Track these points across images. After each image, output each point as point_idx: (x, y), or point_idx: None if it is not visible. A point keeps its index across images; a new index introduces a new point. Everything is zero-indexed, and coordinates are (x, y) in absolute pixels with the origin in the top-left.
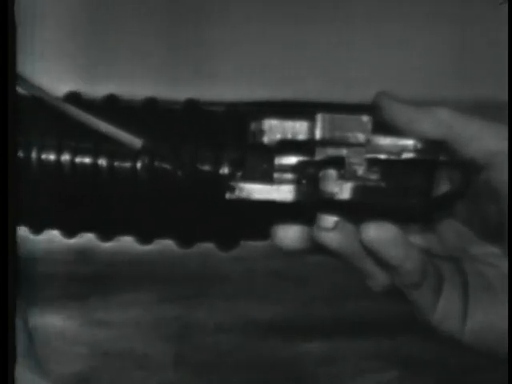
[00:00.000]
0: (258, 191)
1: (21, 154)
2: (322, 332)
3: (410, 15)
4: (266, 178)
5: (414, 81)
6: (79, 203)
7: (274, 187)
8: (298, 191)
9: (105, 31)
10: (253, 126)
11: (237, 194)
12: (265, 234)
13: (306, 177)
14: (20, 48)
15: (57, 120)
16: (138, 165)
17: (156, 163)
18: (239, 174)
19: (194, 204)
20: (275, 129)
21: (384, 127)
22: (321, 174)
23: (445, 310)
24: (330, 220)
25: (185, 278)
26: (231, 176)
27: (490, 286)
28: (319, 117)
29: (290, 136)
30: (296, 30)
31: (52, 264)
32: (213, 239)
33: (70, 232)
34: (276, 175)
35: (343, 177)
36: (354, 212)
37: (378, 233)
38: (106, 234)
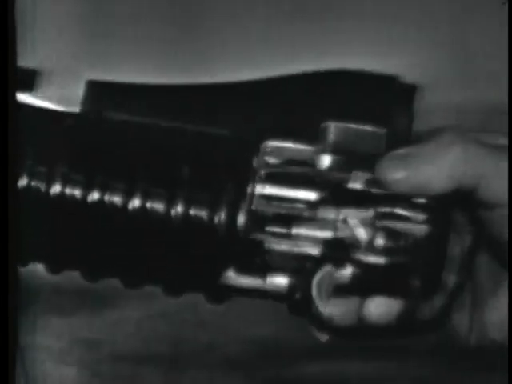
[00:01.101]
0: (250, 285)
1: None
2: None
3: (409, 15)
4: (259, 272)
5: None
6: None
7: (267, 281)
8: (292, 286)
9: (105, 18)
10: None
11: (228, 282)
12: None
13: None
14: (20, 38)
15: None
16: (130, 205)
17: (149, 205)
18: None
19: (186, 252)
20: (278, 152)
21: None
22: (315, 280)
23: (474, 325)
24: (321, 336)
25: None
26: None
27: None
28: (332, 128)
29: (294, 157)
30: (298, 16)
31: (36, 279)
32: (202, 291)
33: (53, 266)
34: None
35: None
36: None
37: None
38: (92, 275)
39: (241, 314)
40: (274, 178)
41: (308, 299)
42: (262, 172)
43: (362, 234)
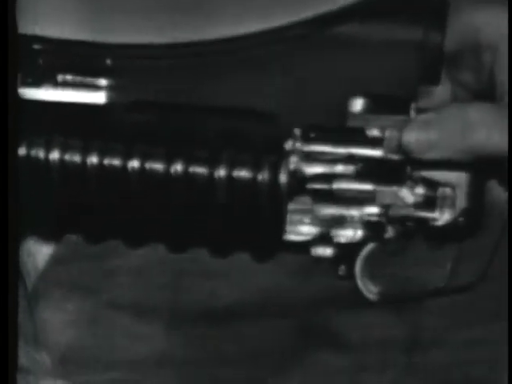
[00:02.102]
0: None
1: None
2: None
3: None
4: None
5: None
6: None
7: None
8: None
9: None
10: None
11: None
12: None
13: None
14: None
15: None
16: (129, 166)
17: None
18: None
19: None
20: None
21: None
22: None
23: None
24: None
25: None
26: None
27: None
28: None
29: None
30: None
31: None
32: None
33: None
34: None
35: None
36: None
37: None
38: (93, 236)
39: (244, 264)
40: (311, 139)
41: (352, 276)
42: (299, 132)
43: (404, 193)
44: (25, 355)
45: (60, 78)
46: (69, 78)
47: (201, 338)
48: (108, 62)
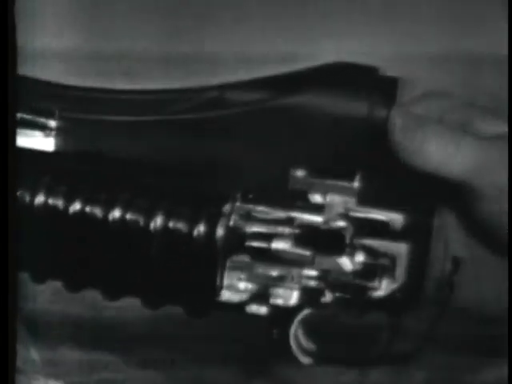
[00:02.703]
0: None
1: (26, 197)
2: None
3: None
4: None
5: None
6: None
7: (247, 308)
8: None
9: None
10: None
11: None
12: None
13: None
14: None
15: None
16: (111, 216)
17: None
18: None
19: (169, 265)
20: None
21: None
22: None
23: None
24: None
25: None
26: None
27: None
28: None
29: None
30: None
31: None
32: (181, 304)
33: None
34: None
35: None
36: None
37: None
38: (73, 285)
39: None
40: (251, 200)
41: (286, 339)
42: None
43: (343, 260)
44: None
45: (18, 116)
46: (25, 117)
47: None
48: (56, 111)
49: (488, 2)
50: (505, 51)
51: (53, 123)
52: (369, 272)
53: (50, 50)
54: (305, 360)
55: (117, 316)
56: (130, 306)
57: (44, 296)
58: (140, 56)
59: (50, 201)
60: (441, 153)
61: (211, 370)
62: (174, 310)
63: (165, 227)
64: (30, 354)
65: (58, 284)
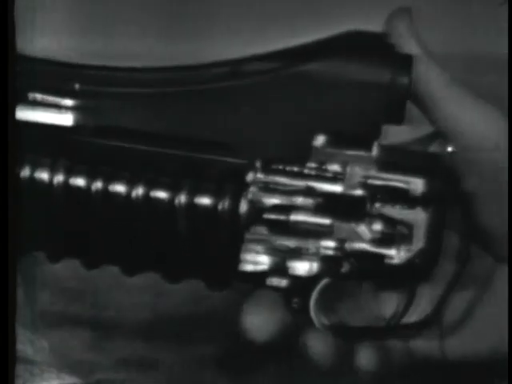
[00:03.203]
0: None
1: (26, 173)
2: None
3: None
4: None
5: None
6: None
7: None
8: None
9: None
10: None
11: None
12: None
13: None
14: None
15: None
16: (134, 193)
17: (152, 193)
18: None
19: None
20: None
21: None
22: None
23: None
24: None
25: None
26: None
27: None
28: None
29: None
30: None
31: None
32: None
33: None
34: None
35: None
36: None
37: None
38: (91, 262)
39: None
40: (271, 171)
41: (306, 309)
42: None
43: (362, 229)
44: (28, 345)
45: (31, 96)
46: (38, 97)
47: None
48: (76, 86)
49: (488, 1)
50: (505, 51)
51: (69, 102)
52: (387, 240)
53: (49, 51)
54: (323, 330)
55: (117, 316)
56: (130, 305)
57: (44, 296)
58: (140, 56)
59: (71, 180)
60: (469, 117)
61: (210, 371)
62: (174, 310)
63: (189, 203)
64: (40, 344)
65: (58, 284)
